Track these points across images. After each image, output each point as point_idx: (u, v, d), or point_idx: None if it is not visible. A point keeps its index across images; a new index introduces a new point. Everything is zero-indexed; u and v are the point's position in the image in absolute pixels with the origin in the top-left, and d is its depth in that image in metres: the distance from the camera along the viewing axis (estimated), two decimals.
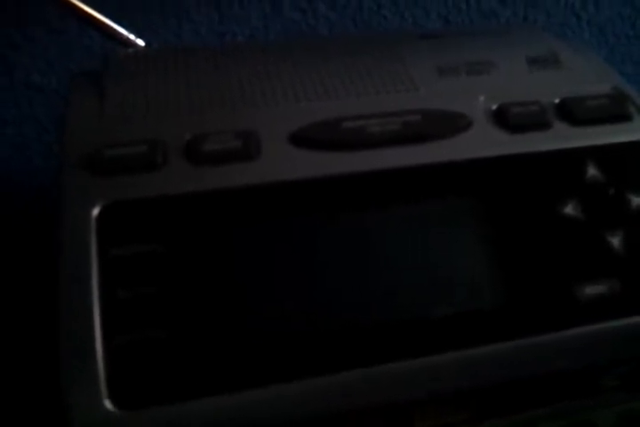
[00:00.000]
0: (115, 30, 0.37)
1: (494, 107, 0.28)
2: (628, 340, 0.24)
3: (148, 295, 0.23)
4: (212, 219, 0.24)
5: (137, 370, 0.22)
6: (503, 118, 0.28)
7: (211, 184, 0.25)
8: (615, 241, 0.26)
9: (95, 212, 0.24)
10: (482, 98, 0.29)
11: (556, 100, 0.29)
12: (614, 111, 0.29)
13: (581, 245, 0.26)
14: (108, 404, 0.21)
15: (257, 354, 0.23)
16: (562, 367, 0.24)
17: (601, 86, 0.30)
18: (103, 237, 0.23)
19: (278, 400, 0.23)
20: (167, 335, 0.22)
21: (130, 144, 0.25)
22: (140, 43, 0.36)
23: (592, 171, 0.27)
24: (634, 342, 0.24)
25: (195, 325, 0.23)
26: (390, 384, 0.23)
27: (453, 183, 0.26)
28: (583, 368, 0.25)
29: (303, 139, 0.26)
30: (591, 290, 0.25)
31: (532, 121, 0.28)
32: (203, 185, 0.25)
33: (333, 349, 0.23)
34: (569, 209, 0.26)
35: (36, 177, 0.42)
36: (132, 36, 0.36)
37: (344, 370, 0.23)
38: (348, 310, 0.24)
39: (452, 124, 0.27)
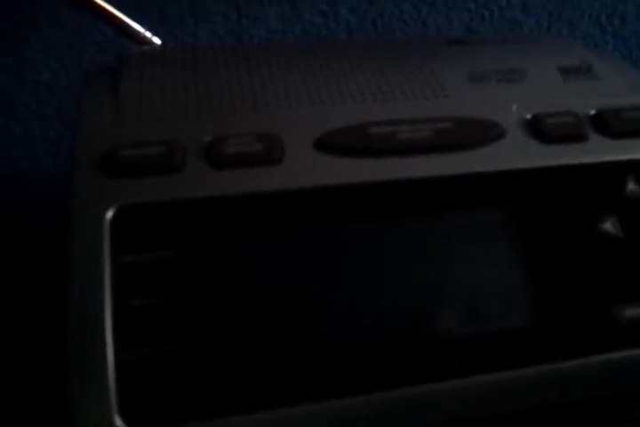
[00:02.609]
0: (130, 27, 0.36)
1: (528, 116, 0.27)
2: None
3: (163, 306, 0.21)
4: (231, 225, 0.23)
5: (150, 385, 0.20)
6: (538, 129, 0.26)
7: (231, 189, 0.24)
8: None
9: (109, 215, 0.22)
10: (515, 107, 0.28)
11: (592, 112, 0.28)
12: None
13: (620, 264, 0.24)
14: (118, 421, 0.20)
15: (277, 370, 0.21)
16: (597, 394, 0.23)
17: (636, 98, 0.29)
18: (116, 243, 0.22)
19: (295, 422, 0.21)
20: (182, 349, 0.21)
21: (147, 145, 0.24)
22: (156, 41, 0.35)
23: (631, 186, 0.26)
24: None
25: (212, 338, 0.21)
26: (412, 409, 0.22)
27: (487, 195, 0.25)
28: (618, 395, 0.23)
29: (329, 144, 0.25)
30: (631, 312, 0.23)
31: (568, 132, 0.27)
32: (222, 189, 0.23)
33: (352, 369, 0.22)
34: (607, 225, 0.25)
35: (43, 176, 0.40)
36: (148, 34, 0.35)
37: (362, 393, 0.22)
38: (372, 326, 0.23)
39: (485, 132, 0.26)
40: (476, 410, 0.22)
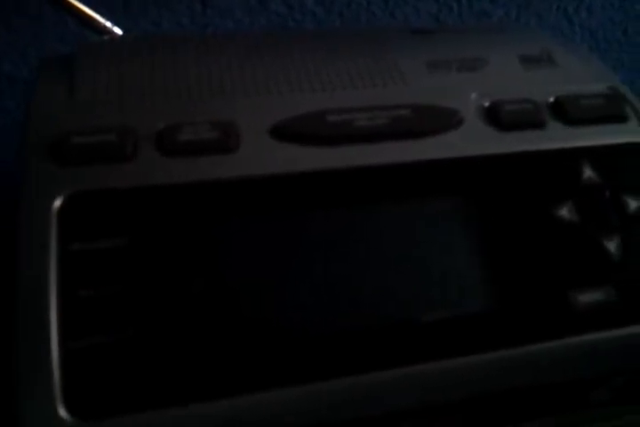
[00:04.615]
0: (91, 17, 0.35)
1: (486, 104, 0.27)
2: (625, 351, 0.23)
3: (111, 295, 0.21)
4: (183, 214, 0.23)
5: (96, 376, 0.20)
6: (496, 116, 0.26)
7: (184, 177, 0.23)
8: (611, 246, 0.24)
9: (57, 203, 0.22)
10: (474, 95, 0.27)
11: (551, 99, 0.28)
12: (610, 111, 0.28)
13: (576, 250, 0.24)
14: (62, 412, 0.20)
15: (229, 360, 0.21)
16: (554, 379, 0.23)
17: (596, 86, 0.29)
18: (64, 231, 0.22)
19: (250, 411, 0.21)
20: (130, 339, 0.21)
21: (98, 132, 0.23)
22: (118, 31, 0.35)
23: (588, 172, 0.26)
24: (630, 352, 0.23)
25: (160, 328, 0.21)
26: (375, 394, 0.22)
27: (443, 182, 0.25)
28: (575, 380, 0.23)
29: (285, 131, 0.25)
30: (586, 298, 0.23)
31: (525, 119, 0.27)
32: (175, 177, 0.23)
33: (314, 356, 0.22)
34: (563, 212, 0.25)
35: (5, 172, 0.40)
36: (108, 24, 0.35)
37: (326, 379, 0.22)
38: (328, 314, 0.23)
39: (443, 120, 0.26)
40: (431, 395, 0.22)
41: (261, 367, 0.21)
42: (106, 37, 0.34)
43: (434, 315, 0.23)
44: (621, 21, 0.49)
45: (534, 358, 0.23)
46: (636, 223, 0.25)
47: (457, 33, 0.33)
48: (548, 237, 0.24)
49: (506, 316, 0.23)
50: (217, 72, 0.27)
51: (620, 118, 0.27)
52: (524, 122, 0.26)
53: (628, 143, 0.27)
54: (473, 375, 0.22)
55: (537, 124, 0.26)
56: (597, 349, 0.23)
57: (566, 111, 0.27)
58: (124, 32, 0.35)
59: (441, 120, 0.26)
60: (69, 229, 0.22)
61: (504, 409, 0.24)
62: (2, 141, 0.39)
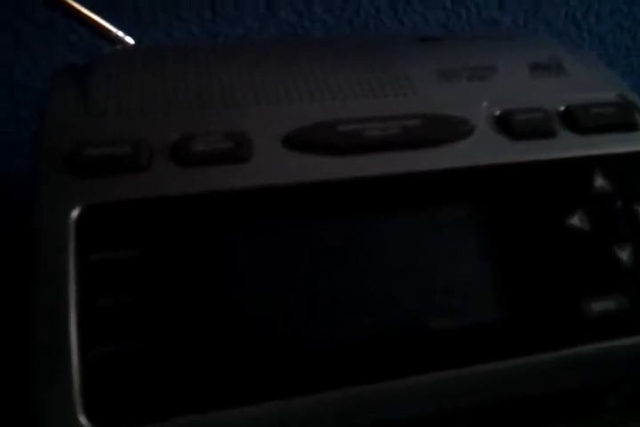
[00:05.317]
0: (103, 27, 0.35)
1: (497, 113, 0.27)
2: (638, 358, 0.23)
3: (130, 304, 0.21)
4: (199, 223, 0.23)
5: (115, 384, 0.20)
6: (507, 125, 0.27)
7: (198, 187, 0.23)
8: (623, 255, 0.24)
9: (74, 214, 0.22)
10: (484, 103, 0.28)
11: (561, 108, 0.28)
12: (621, 120, 0.28)
13: (588, 259, 0.24)
14: (83, 420, 0.20)
15: (244, 369, 0.21)
16: (566, 387, 0.23)
17: (606, 94, 0.29)
18: (82, 242, 0.22)
19: (264, 419, 0.21)
20: (149, 348, 0.21)
21: (112, 143, 0.24)
22: (129, 40, 0.35)
23: (599, 181, 0.26)
24: None
25: (179, 337, 0.21)
26: (384, 403, 0.22)
27: (455, 191, 0.25)
28: (588, 387, 0.24)
29: (297, 141, 0.25)
30: (598, 306, 0.24)
31: (536, 128, 0.27)
32: (190, 188, 0.23)
33: (324, 365, 0.22)
34: (575, 221, 0.25)
35: (18, 179, 0.40)
36: (120, 34, 0.35)
37: (333, 389, 0.22)
38: (339, 323, 0.23)
39: (454, 129, 0.26)
40: (445, 403, 0.22)
41: (274, 376, 0.22)
42: (118, 47, 0.34)
43: (445, 324, 0.23)
44: (630, 27, 0.49)
45: (547, 366, 0.23)
46: None
47: (466, 41, 0.33)
48: (560, 246, 0.24)
49: (518, 324, 0.23)
50: (228, 82, 0.28)
51: (631, 126, 0.28)
52: (535, 131, 0.27)
53: (639, 152, 0.27)
54: (484, 384, 0.22)
55: (548, 133, 0.27)
56: (610, 357, 0.23)
57: (577, 120, 0.27)
58: (135, 41, 0.35)
59: (452, 129, 0.26)
60: (88, 239, 0.22)
61: (514, 417, 0.24)
62: (16, 149, 0.39)
